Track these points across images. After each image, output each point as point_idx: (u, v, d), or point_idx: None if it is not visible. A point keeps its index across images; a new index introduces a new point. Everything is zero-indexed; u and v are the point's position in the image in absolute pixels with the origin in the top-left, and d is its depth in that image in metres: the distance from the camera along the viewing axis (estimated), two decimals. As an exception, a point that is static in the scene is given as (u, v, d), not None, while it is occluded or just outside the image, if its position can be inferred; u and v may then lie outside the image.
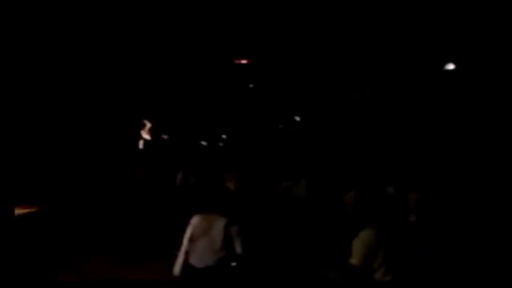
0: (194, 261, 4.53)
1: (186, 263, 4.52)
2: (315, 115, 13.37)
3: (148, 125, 9.08)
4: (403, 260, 3.63)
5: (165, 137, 9.83)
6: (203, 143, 13.62)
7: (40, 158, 8.73)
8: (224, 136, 14.45)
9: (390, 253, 3.62)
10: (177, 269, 4.56)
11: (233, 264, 4.56)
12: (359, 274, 3.65)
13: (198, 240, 4.52)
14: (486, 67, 7.44)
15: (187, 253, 4.56)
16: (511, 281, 3.85)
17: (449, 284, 3.69)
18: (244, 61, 10.46)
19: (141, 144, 8.96)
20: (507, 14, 6.31)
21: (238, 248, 4.60)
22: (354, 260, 3.66)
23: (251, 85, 11.73)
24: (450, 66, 8.21)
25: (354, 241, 3.73)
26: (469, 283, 3.74)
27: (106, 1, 7.09)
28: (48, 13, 6.97)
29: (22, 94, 7.65)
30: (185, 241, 4.58)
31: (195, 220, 4.61)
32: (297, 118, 13.89)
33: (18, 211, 6.54)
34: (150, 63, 10.10)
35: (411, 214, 4.43)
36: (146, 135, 9.03)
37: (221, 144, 14.32)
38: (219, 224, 4.57)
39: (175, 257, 4.78)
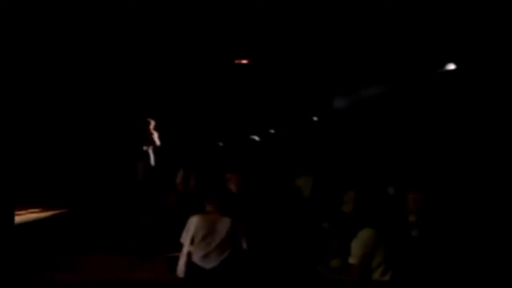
0: (199, 261, 4.53)
1: (189, 263, 4.53)
2: (316, 115, 13.42)
3: (153, 122, 9.09)
4: (402, 259, 3.63)
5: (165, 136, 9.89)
6: (204, 142, 13.61)
7: (41, 158, 8.75)
8: (225, 136, 14.47)
9: (389, 253, 3.62)
10: (181, 270, 4.56)
11: (240, 263, 4.56)
12: (358, 273, 3.65)
13: (202, 240, 4.53)
14: (486, 67, 7.44)
15: (189, 254, 4.56)
16: (511, 281, 3.86)
17: (449, 284, 3.69)
18: (244, 61, 10.48)
19: (151, 151, 9.01)
20: (507, 14, 6.32)
21: (245, 247, 4.61)
22: (353, 260, 3.66)
23: (252, 85, 11.75)
24: (450, 66, 8.22)
25: (353, 241, 3.73)
26: (469, 283, 3.75)
27: (106, 1, 7.10)
28: (48, 12, 6.97)
29: (24, 95, 7.66)
30: (187, 241, 4.58)
31: (196, 220, 4.60)
32: (298, 118, 13.92)
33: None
34: (151, 63, 10.12)
35: (410, 214, 4.42)
36: (153, 134, 9.06)
37: (221, 143, 14.33)
38: (224, 224, 4.57)
39: (176, 257, 4.79)
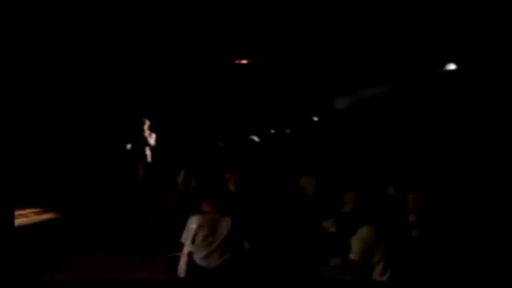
0: (200, 261, 4.52)
1: (190, 263, 4.52)
2: (316, 115, 13.40)
3: (147, 122, 9.12)
4: (401, 258, 3.64)
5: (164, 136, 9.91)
6: (205, 142, 13.60)
7: (40, 158, 8.73)
8: (225, 136, 14.44)
9: (389, 252, 3.64)
10: (182, 269, 4.56)
11: (241, 263, 4.54)
12: (358, 268, 3.67)
13: (203, 240, 4.52)
14: (486, 67, 7.43)
15: (190, 254, 4.55)
16: (511, 281, 3.86)
17: (449, 283, 3.69)
18: (244, 61, 10.48)
19: (148, 152, 9.01)
20: (507, 14, 6.32)
21: (247, 247, 4.61)
22: (353, 255, 3.70)
23: (252, 85, 11.75)
24: (451, 66, 8.22)
25: (352, 237, 3.77)
26: (468, 283, 3.74)
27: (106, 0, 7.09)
28: (45, 12, 6.93)
29: (22, 94, 7.62)
30: (188, 241, 4.58)
31: (196, 220, 4.59)
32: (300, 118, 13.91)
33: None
34: (152, 64, 10.11)
35: (410, 214, 4.43)
36: (148, 133, 9.08)
37: (221, 144, 14.30)
38: (225, 224, 4.57)
39: (176, 257, 4.79)
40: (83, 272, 5.35)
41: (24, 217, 7.01)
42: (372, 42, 8.52)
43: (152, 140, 9.10)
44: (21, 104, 7.53)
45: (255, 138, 14.45)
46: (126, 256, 5.87)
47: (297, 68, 10.42)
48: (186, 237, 4.61)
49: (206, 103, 12.47)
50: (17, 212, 6.35)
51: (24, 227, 6.56)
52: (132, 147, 8.95)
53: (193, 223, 4.60)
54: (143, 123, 9.03)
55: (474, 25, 7.09)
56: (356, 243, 3.72)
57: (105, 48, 9.00)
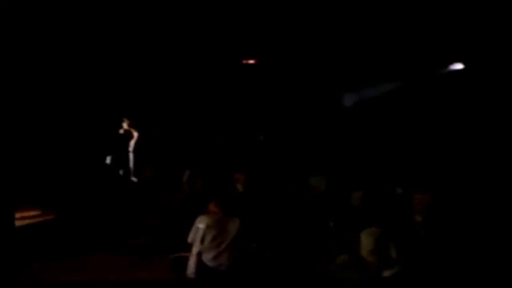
0: (209, 261, 4.53)
1: (199, 264, 4.49)
2: (323, 115, 13.35)
3: (127, 121, 9.13)
4: (408, 257, 3.64)
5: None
6: (210, 141, 13.63)
7: (41, 159, 8.72)
8: (230, 135, 14.44)
9: (396, 249, 3.68)
10: (191, 270, 4.56)
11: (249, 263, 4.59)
12: (371, 263, 3.76)
13: (212, 240, 4.52)
14: (489, 67, 7.39)
15: (199, 254, 4.53)
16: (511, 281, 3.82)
17: (454, 281, 3.68)
18: (251, 61, 10.47)
19: (131, 146, 9.01)
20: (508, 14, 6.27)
21: (254, 247, 4.62)
22: (363, 253, 3.81)
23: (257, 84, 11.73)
24: (458, 66, 8.20)
25: (362, 236, 3.87)
26: (472, 282, 3.73)
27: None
28: (33, 12, 6.83)
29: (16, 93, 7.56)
30: (197, 242, 4.56)
31: (205, 221, 4.60)
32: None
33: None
34: (157, 65, 10.12)
35: (417, 214, 4.40)
36: (128, 133, 9.11)
37: (227, 143, 14.31)
38: (234, 225, 4.58)
39: (182, 257, 4.76)
40: (83, 272, 5.34)
41: (25, 218, 7.00)
42: (379, 40, 8.46)
43: (133, 140, 9.13)
44: (21, 107, 7.53)
45: (261, 138, 14.46)
46: (126, 256, 5.86)
47: (303, 66, 10.38)
48: (194, 238, 4.60)
49: (210, 102, 12.47)
50: (17, 214, 6.37)
51: (25, 228, 6.55)
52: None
53: (201, 223, 4.60)
54: (122, 122, 9.06)
55: (483, 24, 7.02)
56: (364, 242, 3.82)
57: (111, 49, 8.99)
